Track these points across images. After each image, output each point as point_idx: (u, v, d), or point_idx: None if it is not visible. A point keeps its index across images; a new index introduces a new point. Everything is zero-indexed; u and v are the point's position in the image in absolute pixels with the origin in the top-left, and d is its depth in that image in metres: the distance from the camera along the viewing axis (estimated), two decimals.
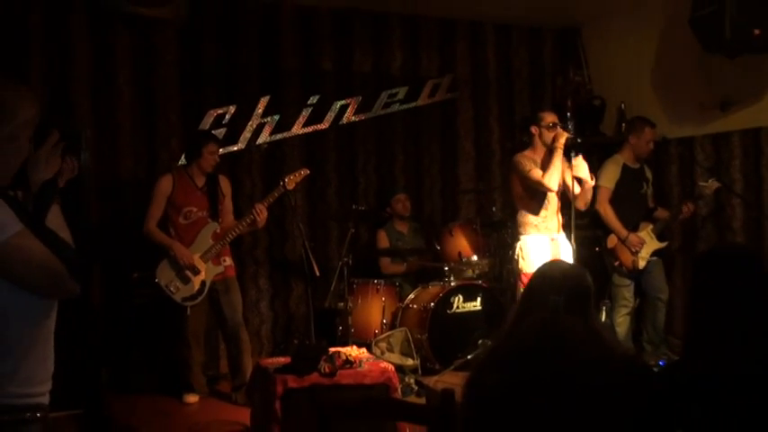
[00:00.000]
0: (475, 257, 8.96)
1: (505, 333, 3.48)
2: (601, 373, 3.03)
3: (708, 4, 7.58)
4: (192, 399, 7.89)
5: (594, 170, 8.56)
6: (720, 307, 3.13)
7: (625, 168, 8.77)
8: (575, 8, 10.28)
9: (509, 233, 9.27)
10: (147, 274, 7.88)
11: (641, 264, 8.62)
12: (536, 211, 7.66)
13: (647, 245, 8.63)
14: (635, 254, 8.57)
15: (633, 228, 8.64)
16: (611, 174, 8.68)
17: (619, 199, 8.58)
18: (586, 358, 3.05)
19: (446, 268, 8.77)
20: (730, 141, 9.06)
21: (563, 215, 7.72)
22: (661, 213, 8.90)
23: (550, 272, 3.66)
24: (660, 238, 8.73)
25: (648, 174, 9.05)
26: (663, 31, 9.70)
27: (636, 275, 8.78)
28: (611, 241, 8.69)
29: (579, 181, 7.39)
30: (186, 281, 7.73)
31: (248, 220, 7.81)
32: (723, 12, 7.43)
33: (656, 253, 8.75)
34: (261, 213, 7.76)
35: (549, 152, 7.48)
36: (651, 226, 8.71)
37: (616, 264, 8.68)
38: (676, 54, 9.36)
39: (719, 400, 2.96)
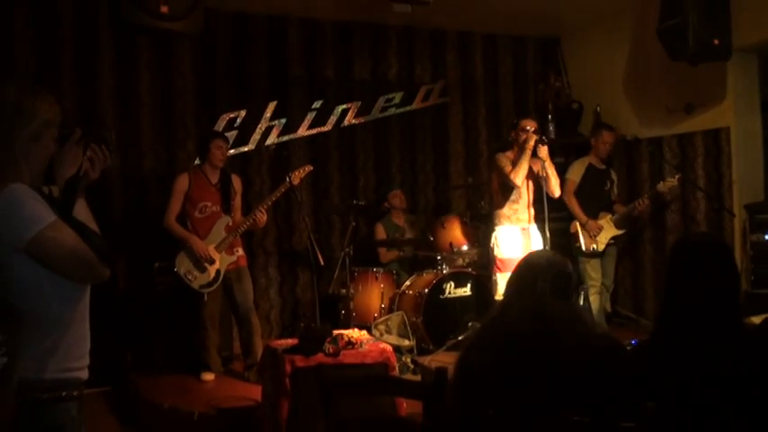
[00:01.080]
0: (465, 247, 8.99)
1: (495, 316, 3.55)
2: (582, 349, 3.11)
3: (673, 17, 7.62)
4: (209, 377, 7.91)
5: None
6: (692, 288, 3.18)
7: (590, 167, 9.00)
8: (555, 20, 10.34)
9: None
10: (167, 263, 7.93)
11: (600, 247, 8.82)
12: (502, 205, 7.93)
13: (605, 231, 8.83)
14: (593, 237, 8.72)
15: (593, 217, 8.83)
16: (577, 170, 8.98)
17: (583, 193, 8.81)
18: (571, 337, 3.13)
19: (439, 257, 8.78)
20: (694, 141, 9.17)
21: (536, 209, 7.84)
22: (619, 209, 9.07)
23: (537, 260, 3.70)
24: (618, 225, 8.88)
25: (614, 176, 9.26)
26: (633, 42, 9.77)
27: (597, 255, 8.92)
28: (574, 227, 8.91)
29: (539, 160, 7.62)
30: (202, 270, 7.77)
31: (248, 222, 7.87)
32: (686, 24, 7.49)
33: (614, 239, 8.95)
34: (259, 217, 7.85)
35: (520, 151, 7.72)
36: (610, 215, 8.89)
37: (577, 245, 8.83)
38: (646, 62, 9.43)
39: (689, 372, 3.02)
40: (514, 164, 7.71)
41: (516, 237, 7.81)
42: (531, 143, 7.56)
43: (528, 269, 3.68)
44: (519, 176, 7.67)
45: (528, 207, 7.87)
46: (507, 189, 7.82)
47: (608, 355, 3.19)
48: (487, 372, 3.22)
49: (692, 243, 3.51)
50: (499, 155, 7.95)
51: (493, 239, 7.99)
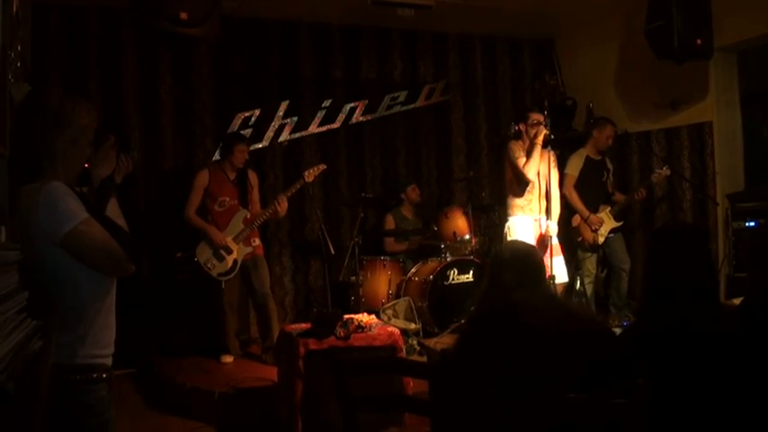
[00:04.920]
0: (467, 236, 8.99)
1: (474, 310, 3.60)
2: (557, 329, 3.13)
3: (659, 19, 7.66)
4: (228, 359, 7.96)
5: (565, 160, 8.72)
6: (671, 273, 3.21)
7: (588, 159, 8.82)
8: (549, 23, 10.34)
9: (496, 215, 9.35)
10: (188, 253, 7.96)
11: (600, 240, 8.70)
12: (520, 194, 7.72)
13: (605, 223, 8.70)
14: (595, 231, 8.66)
15: (594, 209, 8.70)
16: (575, 164, 8.76)
17: (582, 185, 8.62)
18: (541, 322, 3.15)
19: (443, 246, 8.81)
20: (680, 135, 9.19)
21: (547, 200, 7.74)
22: (618, 198, 8.97)
23: (501, 254, 3.73)
24: (617, 218, 8.81)
25: (609, 165, 9.11)
26: (622, 42, 9.77)
27: (598, 249, 8.87)
28: (575, 220, 8.76)
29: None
30: (221, 259, 7.81)
31: (270, 210, 7.91)
32: (671, 25, 7.53)
33: (613, 230, 8.84)
34: (281, 205, 7.88)
35: (530, 146, 7.58)
36: (609, 208, 8.79)
37: (579, 240, 8.73)
38: (634, 61, 9.42)
39: (673, 351, 3.04)
40: (528, 155, 7.58)
41: (529, 227, 7.64)
42: (541, 137, 7.46)
43: (493, 264, 3.72)
44: (531, 171, 7.51)
45: (540, 198, 7.70)
46: (521, 179, 7.70)
47: (585, 335, 3.21)
48: (479, 357, 3.25)
49: (669, 231, 3.53)
50: (512, 144, 7.78)
51: (506, 229, 7.83)
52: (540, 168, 7.62)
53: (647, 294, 3.33)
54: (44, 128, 2.97)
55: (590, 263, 8.82)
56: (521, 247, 3.86)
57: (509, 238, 7.72)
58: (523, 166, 7.51)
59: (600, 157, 8.96)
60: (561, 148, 9.23)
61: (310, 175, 8.00)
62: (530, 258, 3.64)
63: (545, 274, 3.62)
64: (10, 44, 3.22)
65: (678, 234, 3.39)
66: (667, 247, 3.32)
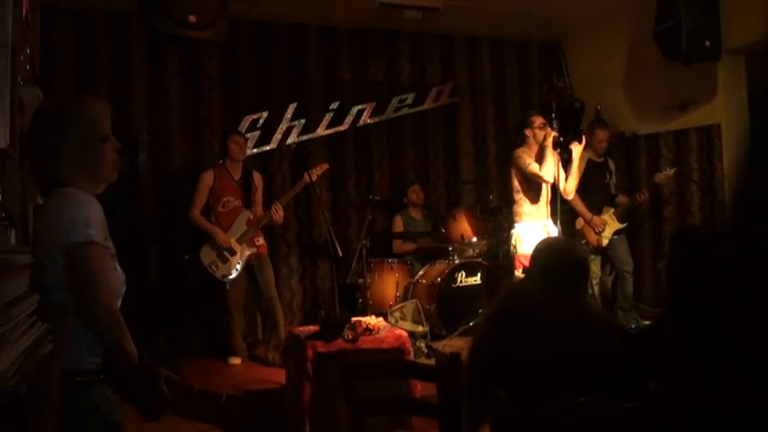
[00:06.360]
0: (475, 239, 9.00)
1: (491, 308, 3.60)
2: (574, 331, 3.13)
3: (667, 20, 7.67)
4: (236, 361, 7.97)
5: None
6: (693, 276, 3.20)
7: (589, 162, 8.82)
8: (557, 24, 10.32)
9: (504, 217, 9.32)
10: (196, 255, 7.98)
11: (604, 242, 8.71)
12: (535, 200, 7.51)
13: (609, 226, 8.71)
14: (598, 233, 8.65)
15: (597, 212, 8.72)
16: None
17: (585, 187, 8.54)
18: (558, 323, 3.15)
19: (450, 248, 8.83)
20: (689, 137, 9.17)
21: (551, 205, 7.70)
22: (621, 200, 8.96)
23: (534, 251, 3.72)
24: (621, 219, 8.80)
25: (612, 166, 9.14)
26: (630, 44, 9.77)
27: (602, 251, 8.88)
28: (579, 223, 8.74)
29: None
30: (225, 260, 7.84)
31: (267, 217, 7.98)
32: (680, 26, 7.54)
33: (617, 232, 8.84)
34: (277, 213, 7.94)
35: (541, 149, 7.49)
36: (613, 210, 8.79)
37: (583, 242, 8.70)
38: (642, 62, 9.41)
39: (692, 355, 3.04)
40: (537, 160, 7.39)
41: (538, 233, 7.38)
42: (550, 140, 7.31)
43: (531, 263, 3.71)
44: (548, 173, 7.28)
45: (547, 204, 7.64)
46: (533, 185, 7.52)
47: (605, 336, 3.21)
48: (495, 358, 3.26)
49: (690, 236, 3.51)
50: (519, 152, 7.55)
51: (514, 237, 7.59)
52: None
53: (671, 299, 3.31)
54: (49, 137, 2.92)
55: (594, 265, 8.80)
56: (538, 250, 3.82)
57: (518, 246, 7.55)
58: (540, 170, 7.39)
59: (602, 159, 8.96)
60: (569, 151, 9.22)
61: (314, 174, 8.00)
62: (543, 262, 3.60)
63: (584, 276, 3.53)
64: (20, 47, 3.21)
65: (699, 238, 3.38)
66: (688, 251, 3.30)
